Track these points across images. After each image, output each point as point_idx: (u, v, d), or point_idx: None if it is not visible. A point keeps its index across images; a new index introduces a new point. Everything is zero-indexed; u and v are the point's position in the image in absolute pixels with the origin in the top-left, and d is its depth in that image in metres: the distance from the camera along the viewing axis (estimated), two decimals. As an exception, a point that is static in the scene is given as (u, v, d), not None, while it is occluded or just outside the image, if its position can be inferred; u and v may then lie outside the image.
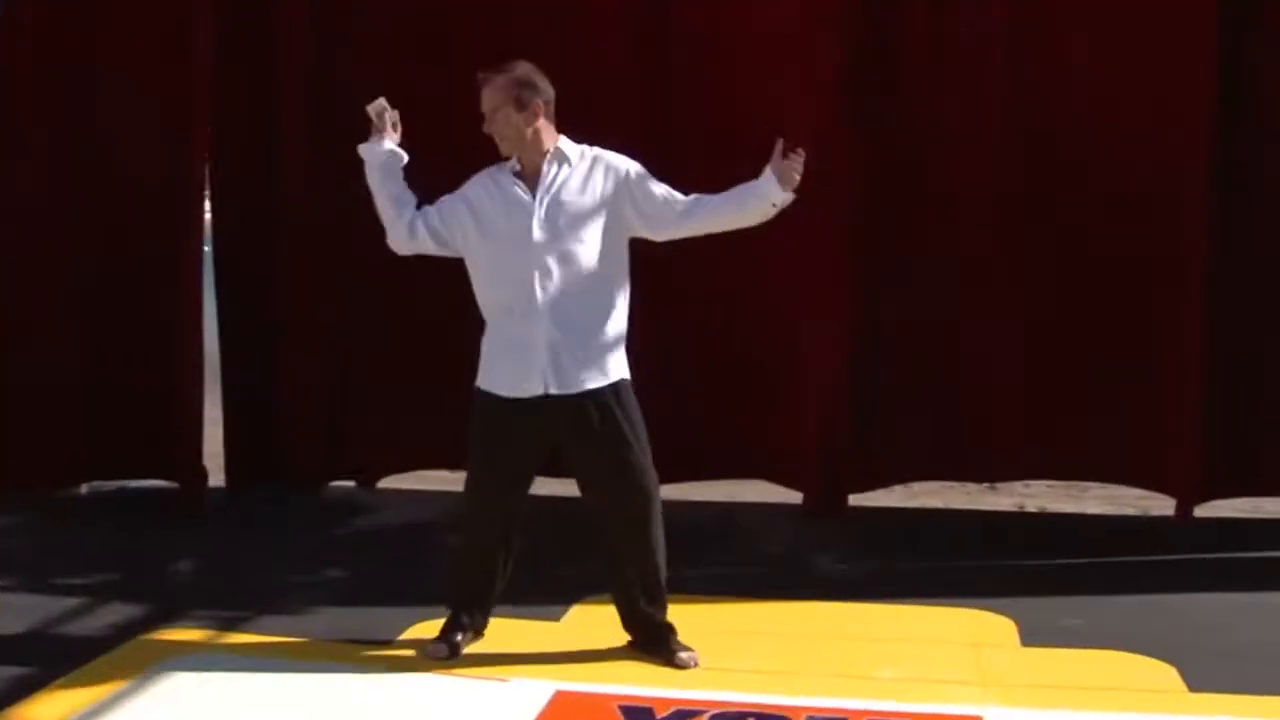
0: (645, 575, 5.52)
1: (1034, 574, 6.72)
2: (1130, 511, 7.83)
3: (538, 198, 5.38)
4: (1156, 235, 7.25)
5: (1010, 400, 7.52)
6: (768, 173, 5.39)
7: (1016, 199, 7.41)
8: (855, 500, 7.72)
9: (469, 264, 5.54)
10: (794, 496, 7.81)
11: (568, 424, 5.42)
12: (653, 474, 5.49)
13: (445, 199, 5.56)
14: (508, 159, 5.49)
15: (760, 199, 5.41)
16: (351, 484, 8.14)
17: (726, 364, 7.75)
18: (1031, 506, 8.05)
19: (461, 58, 7.53)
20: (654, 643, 5.57)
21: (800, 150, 5.37)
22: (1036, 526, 7.62)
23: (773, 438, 7.74)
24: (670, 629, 5.59)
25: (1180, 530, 7.28)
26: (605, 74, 7.37)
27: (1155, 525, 7.46)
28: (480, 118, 5.46)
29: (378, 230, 7.48)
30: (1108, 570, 6.79)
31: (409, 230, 5.55)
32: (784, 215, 7.26)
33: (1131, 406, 7.41)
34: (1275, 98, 7.14)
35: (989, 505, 8.01)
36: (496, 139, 5.43)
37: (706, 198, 5.49)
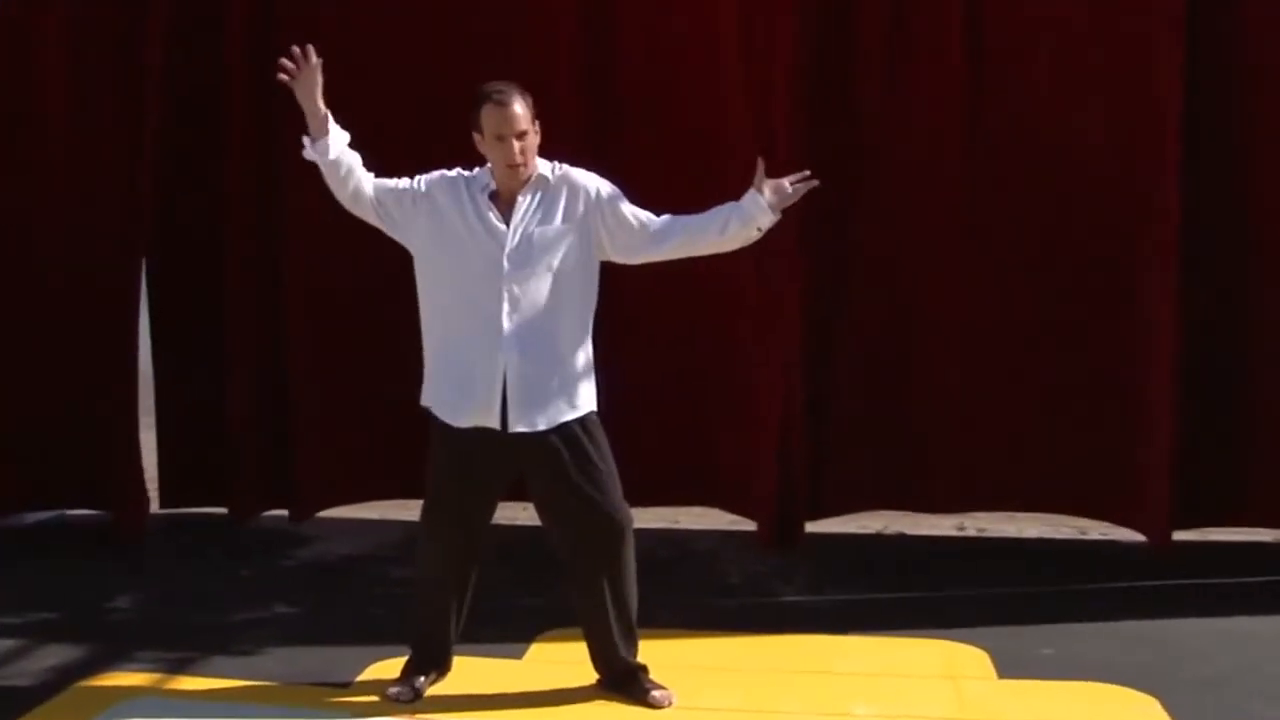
0: (618, 614, 5.32)
1: (1000, 601, 6.59)
2: (1068, 533, 7.74)
3: (511, 226, 5.15)
4: (1124, 255, 7.17)
5: (972, 429, 7.39)
6: (753, 194, 5.19)
7: (976, 222, 7.30)
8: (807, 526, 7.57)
9: (420, 271, 5.29)
10: (741, 522, 7.65)
11: (534, 459, 5.21)
12: (625, 509, 5.29)
13: (405, 186, 5.27)
14: (471, 170, 5.28)
15: (745, 222, 5.21)
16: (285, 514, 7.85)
17: (677, 389, 7.59)
18: (971, 528, 7.94)
19: (407, 76, 7.47)
20: (626, 682, 5.38)
21: (808, 175, 5.21)
22: (996, 551, 7.50)
23: (725, 465, 7.58)
24: (642, 668, 5.40)
25: (1147, 554, 7.17)
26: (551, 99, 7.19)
27: (1120, 549, 7.36)
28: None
29: (322, 247, 7.37)
30: (1074, 596, 6.67)
31: (353, 197, 5.28)
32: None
33: (1101, 436, 7.29)
34: (1246, 104, 7.08)
35: (928, 528, 7.86)
36: (524, 161, 5.12)
37: (682, 219, 5.27)
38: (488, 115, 5.10)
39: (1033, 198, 7.25)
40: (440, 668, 5.48)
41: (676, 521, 7.76)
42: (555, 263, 5.15)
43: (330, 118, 5.22)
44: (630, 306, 7.16)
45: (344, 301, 7.58)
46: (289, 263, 7.58)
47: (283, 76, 5.21)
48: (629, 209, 5.26)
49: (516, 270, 5.11)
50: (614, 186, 5.29)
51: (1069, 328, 7.27)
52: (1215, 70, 7.01)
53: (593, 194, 5.24)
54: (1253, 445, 7.21)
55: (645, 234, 5.24)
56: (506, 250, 5.12)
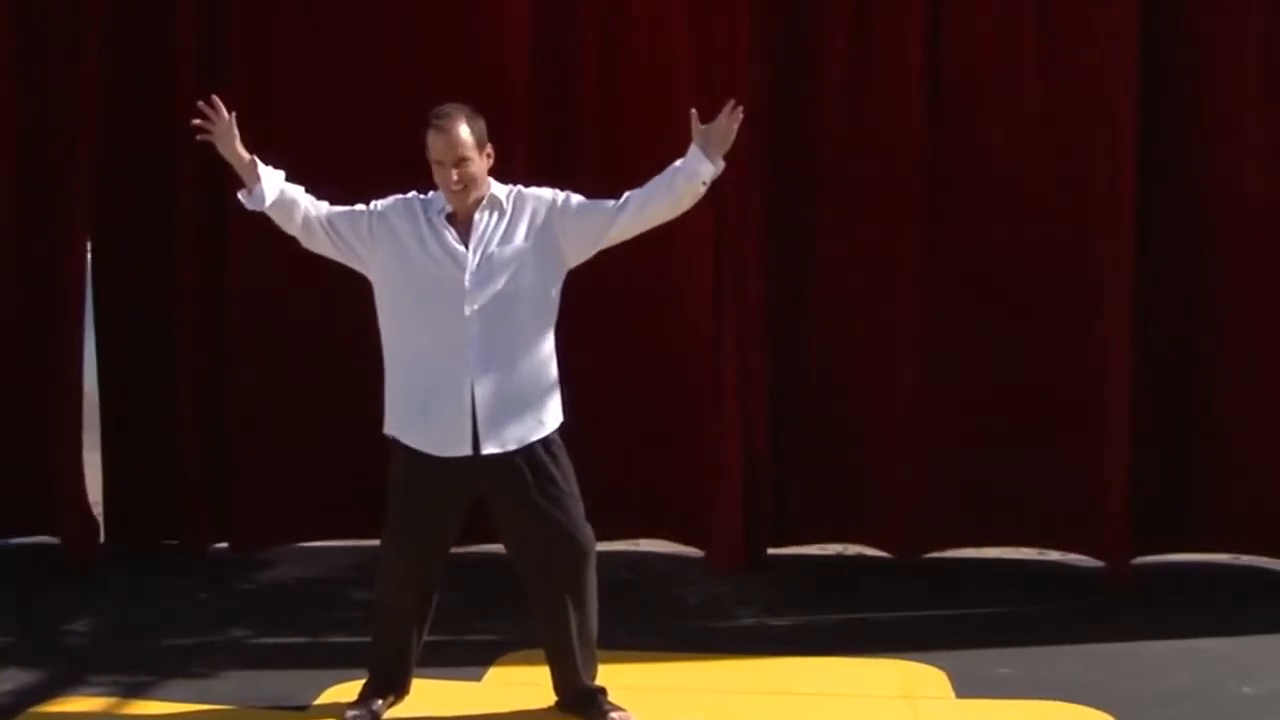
0: (580, 636, 5.32)
1: (957, 621, 6.62)
2: (1026, 554, 7.69)
3: (471, 247, 5.14)
4: (1080, 286, 7.18)
5: (932, 462, 7.34)
6: (694, 149, 5.16)
7: (936, 261, 7.28)
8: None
9: (380, 298, 5.27)
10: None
11: (499, 481, 5.21)
12: (587, 531, 5.30)
13: (360, 210, 5.27)
14: (427, 193, 5.29)
15: (690, 178, 5.17)
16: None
17: (636, 421, 7.52)
18: (930, 549, 7.94)
19: (362, 101, 7.45)
20: (585, 704, 5.38)
21: (735, 105, 5.17)
22: (953, 571, 7.45)
23: (688, 502, 7.52)
24: (601, 690, 5.40)
25: (1105, 575, 7.17)
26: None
27: (1078, 569, 7.34)
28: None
29: (274, 270, 7.33)
30: (1033, 616, 6.69)
31: (305, 231, 5.30)
32: (690, 267, 7.24)
33: (1058, 469, 7.26)
34: (1203, 123, 7.10)
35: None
36: (464, 187, 5.11)
37: (635, 193, 5.24)
38: (430, 140, 5.11)
39: (991, 232, 7.24)
40: (399, 691, 5.46)
41: (637, 543, 7.73)
42: (518, 281, 5.14)
43: (258, 162, 5.22)
44: (583, 328, 7.15)
45: (296, 337, 7.49)
46: (236, 291, 7.50)
47: (200, 136, 5.23)
48: (585, 208, 5.25)
49: (478, 290, 5.10)
50: (567, 192, 5.29)
51: (1026, 357, 7.26)
52: (1169, 98, 7.07)
53: (549, 201, 5.24)
54: (1209, 472, 7.21)
55: (605, 216, 5.23)
56: (468, 271, 5.11)
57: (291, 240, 5.37)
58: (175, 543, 7.63)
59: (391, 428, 5.28)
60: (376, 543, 5.54)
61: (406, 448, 5.23)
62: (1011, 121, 7.22)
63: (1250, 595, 6.98)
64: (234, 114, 5.22)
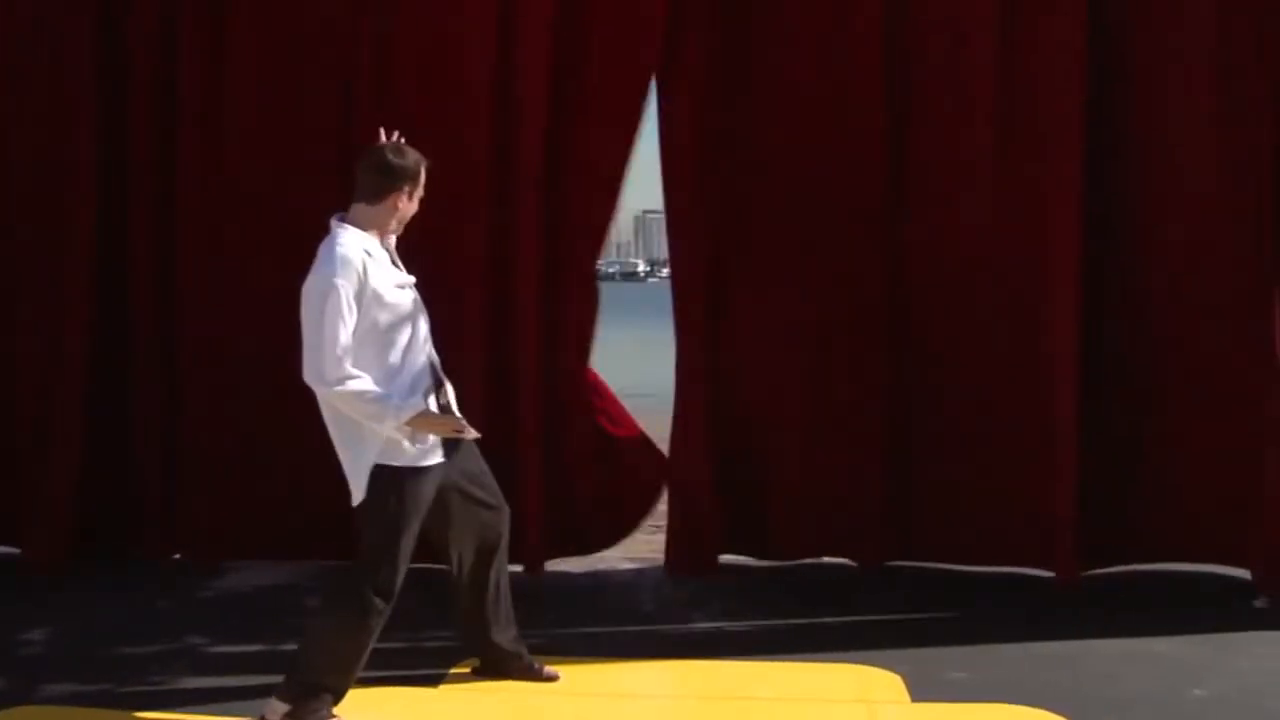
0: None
1: (913, 625, 6.67)
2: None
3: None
4: (1028, 303, 7.28)
5: (888, 481, 7.44)
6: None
7: (896, 287, 7.39)
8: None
9: (369, 339, 5.24)
10: (658, 554, 7.69)
11: (458, 467, 5.46)
12: None
13: (357, 322, 5.20)
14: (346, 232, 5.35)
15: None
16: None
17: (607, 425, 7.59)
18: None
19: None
20: (516, 665, 5.72)
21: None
22: (908, 576, 7.52)
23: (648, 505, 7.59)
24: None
25: (1059, 582, 7.23)
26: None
27: (1032, 577, 7.39)
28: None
29: (236, 284, 7.35)
30: (987, 621, 6.74)
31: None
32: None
33: (1012, 486, 7.34)
34: (1149, 128, 7.20)
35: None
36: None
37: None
38: (424, 176, 5.40)
39: (942, 250, 7.36)
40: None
41: (597, 554, 7.75)
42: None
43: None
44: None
45: (265, 343, 7.51)
46: (207, 289, 7.52)
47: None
48: None
49: (421, 307, 5.41)
50: None
51: (975, 378, 7.35)
52: (1117, 115, 7.19)
53: None
54: (1153, 488, 7.30)
55: None
56: (414, 291, 5.41)
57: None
58: (137, 553, 7.64)
59: (390, 454, 5.26)
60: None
61: (409, 469, 5.27)
62: (965, 140, 7.32)
63: (1201, 600, 7.07)
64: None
